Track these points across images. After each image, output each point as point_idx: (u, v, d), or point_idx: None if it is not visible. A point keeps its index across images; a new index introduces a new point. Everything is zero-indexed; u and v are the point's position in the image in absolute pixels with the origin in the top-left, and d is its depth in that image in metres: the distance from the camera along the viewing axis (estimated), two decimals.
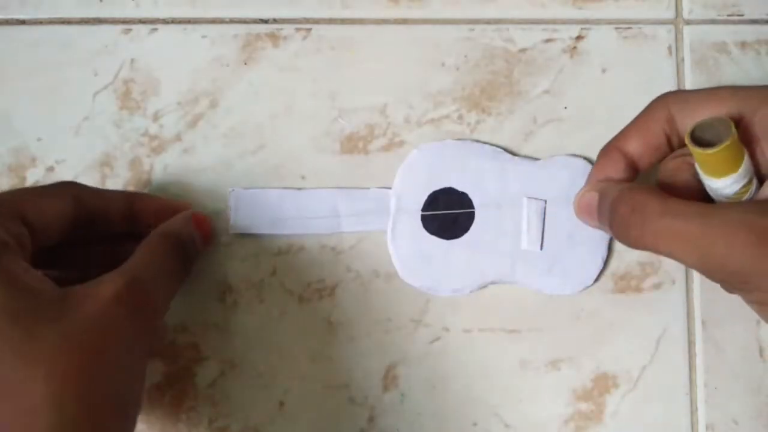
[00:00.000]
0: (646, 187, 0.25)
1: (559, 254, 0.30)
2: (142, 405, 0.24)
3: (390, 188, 0.31)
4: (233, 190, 0.30)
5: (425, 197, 0.30)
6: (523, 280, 0.30)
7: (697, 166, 0.25)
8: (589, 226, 0.28)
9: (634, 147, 0.26)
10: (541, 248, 0.30)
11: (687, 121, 0.25)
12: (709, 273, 0.23)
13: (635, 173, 0.27)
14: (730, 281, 0.23)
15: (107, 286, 0.22)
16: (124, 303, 0.22)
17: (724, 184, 0.24)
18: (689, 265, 0.24)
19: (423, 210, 0.30)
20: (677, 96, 0.26)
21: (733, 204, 0.24)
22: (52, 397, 0.20)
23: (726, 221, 0.22)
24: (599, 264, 0.30)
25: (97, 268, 0.24)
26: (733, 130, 0.23)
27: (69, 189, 0.26)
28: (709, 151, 0.23)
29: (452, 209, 0.30)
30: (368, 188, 0.31)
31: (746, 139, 0.24)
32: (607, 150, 0.27)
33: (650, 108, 0.26)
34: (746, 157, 0.24)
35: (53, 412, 0.20)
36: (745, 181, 0.24)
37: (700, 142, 0.23)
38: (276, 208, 0.30)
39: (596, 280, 0.31)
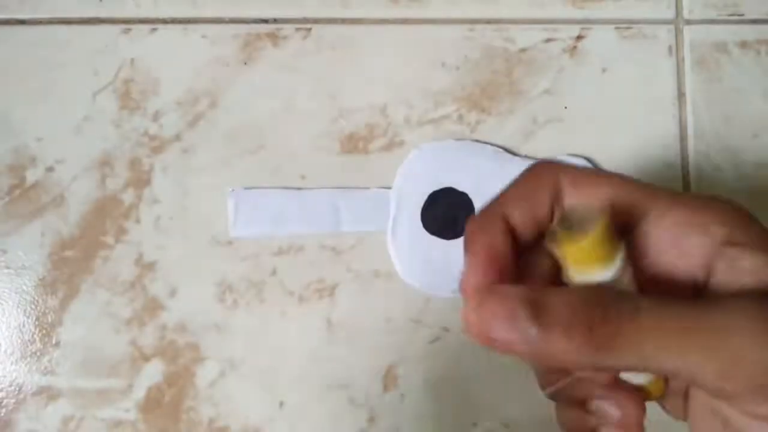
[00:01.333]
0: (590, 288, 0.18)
1: None
2: None
3: (390, 188, 0.31)
4: (233, 190, 0.30)
5: (425, 197, 0.30)
6: None
7: (565, 263, 0.19)
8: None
9: (518, 215, 0.20)
10: None
11: (576, 197, 0.20)
12: (732, 380, 0.16)
13: (516, 249, 0.20)
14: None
15: None
16: None
17: (601, 279, 0.18)
18: (698, 377, 0.16)
19: (423, 210, 0.30)
20: (568, 168, 0.21)
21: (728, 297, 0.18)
22: None
23: (731, 310, 0.16)
24: None
25: None
26: (605, 215, 0.17)
27: None
28: (581, 239, 0.17)
29: (452, 209, 0.30)
30: (368, 188, 0.31)
31: (634, 247, 0.19)
32: (487, 214, 0.20)
33: (537, 174, 0.21)
34: (622, 250, 0.18)
35: None
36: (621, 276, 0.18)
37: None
38: (276, 208, 0.30)
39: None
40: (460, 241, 0.30)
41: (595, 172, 0.21)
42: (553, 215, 0.20)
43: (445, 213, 0.30)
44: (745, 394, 0.16)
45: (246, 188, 0.30)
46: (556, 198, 0.20)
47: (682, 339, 0.16)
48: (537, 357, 0.18)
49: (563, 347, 0.16)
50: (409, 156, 0.31)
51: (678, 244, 0.19)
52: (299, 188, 0.31)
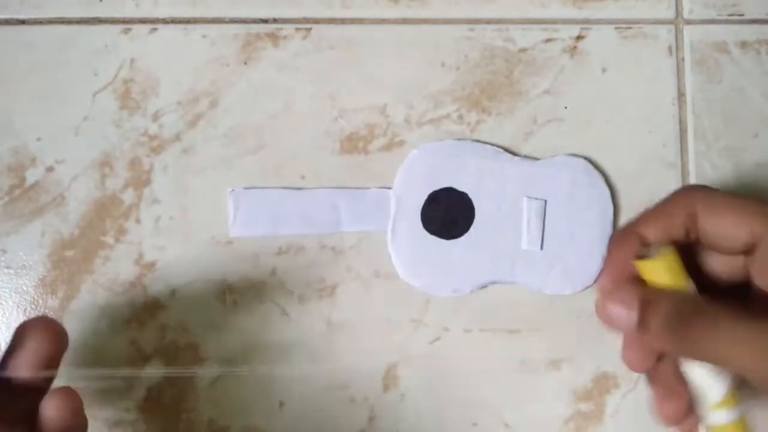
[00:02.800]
0: (702, 297, 0.24)
1: (560, 254, 0.30)
2: None
3: (390, 188, 0.31)
4: (233, 190, 0.30)
5: (425, 197, 0.30)
6: (523, 280, 0.30)
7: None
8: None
9: (654, 235, 0.25)
10: (542, 248, 0.30)
11: (711, 221, 0.25)
12: None
13: None
14: None
15: None
16: None
17: None
18: (751, 378, 0.22)
19: (423, 210, 0.30)
20: (704, 193, 0.25)
21: None
22: None
23: None
24: (599, 264, 0.30)
25: None
26: (670, 249, 0.25)
27: None
28: (647, 261, 0.25)
29: (452, 209, 0.30)
30: (368, 188, 0.31)
31: (754, 266, 0.24)
32: (625, 233, 0.26)
33: (674, 199, 0.26)
34: (692, 283, 0.25)
35: None
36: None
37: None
38: (276, 208, 0.30)
39: (596, 279, 0.31)
40: (460, 241, 0.30)
41: (729, 199, 0.25)
42: (688, 235, 0.25)
43: (445, 213, 0.30)
44: None
45: (246, 188, 0.30)
46: (692, 221, 0.25)
47: (744, 347, 0.21)
48: (637, 340, 0.25)
49: (659, 342, 0.24)
50: (409, 156, 0.31)
51: None
52: (299, 188, 0.31)
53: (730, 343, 0.22)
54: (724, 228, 0.24)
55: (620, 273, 0.26)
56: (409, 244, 0.30)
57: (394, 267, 0.30)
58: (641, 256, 0.25)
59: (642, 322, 0.24)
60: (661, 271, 0.24)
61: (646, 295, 0.24)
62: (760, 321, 0.21)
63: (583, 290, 0.31)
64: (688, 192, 0.26)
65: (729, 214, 0.24)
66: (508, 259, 0.30)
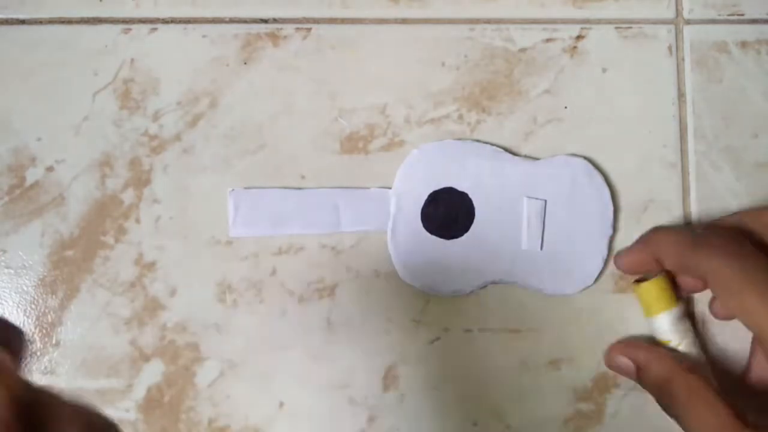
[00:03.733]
0: (700, 375, 0.27)
1: (559, 254, 0.30)
2: None
3: (390, 188, 0.31)
4: (233, 190, 0.30)
5: (425, 197, 0.30)
6: (523, 280, 0.30)
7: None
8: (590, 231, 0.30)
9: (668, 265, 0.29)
10: (541, 248, 0.30)
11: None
12: None
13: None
14: None
15: None
16: None
17: (658, 324, 0.29)
18: None
19: (423, 210, 0.30)
20: (755, 214, 0.29)
21: None
22: None
23: None
24: (599, 264, 0.30)
25: None
26: (662, 275, 0.29)
27: None
28: (640, 284, 0.29)
29: (452, 209, 0.30)
30: (368, 188, 0.31)
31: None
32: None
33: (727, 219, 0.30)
34: (680, 306, 0.29)
35: None
36: (679, 326, 0.29)
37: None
38: (276, 208, 0.30)
39: (596, 279, 0.31)
40: (460, 241, 0.30)
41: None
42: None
43: (445, 213, 0.30)
44: None
45: (246, 188, 0.30)
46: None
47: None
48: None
49: (651, 392, 0.28)
50: (409, 156, 0.31)
51: None
52: (299, 188, 0.31)
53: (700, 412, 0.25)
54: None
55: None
56: (409, 244, 0.30)
57: (394, 267, 0.30)
58: (640, 279, 0.30)
59: (638, 378, 0.29)
60: (654, 292, 0.29)
61: (642, 358, 0.29)
62: (723, 405, 0.25)
63: (582, 290, 0.31)
64: (741, 215, 0.30)
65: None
66: (508, 259, 0.30)
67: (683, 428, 0.26)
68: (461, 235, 0.30)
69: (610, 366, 0.30)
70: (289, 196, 0.30)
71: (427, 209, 0.30)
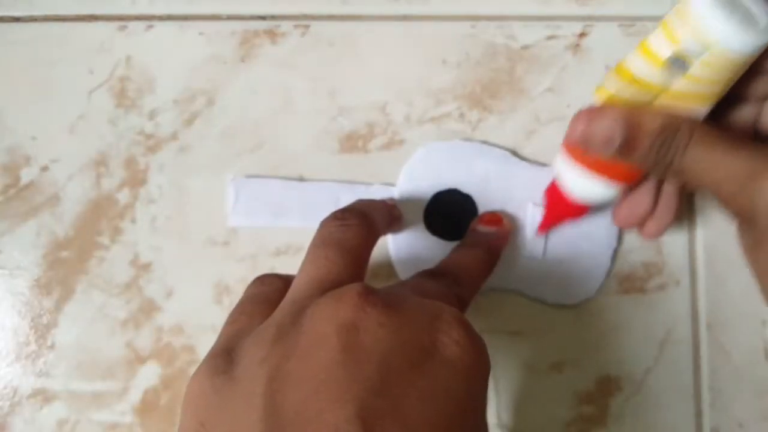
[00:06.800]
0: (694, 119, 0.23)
1: (562, 264, 0.30)
2: None
3: (393, 185, 0.30)
4: (234, 178, 0.30)
5: (429, 197, 0.30)
6: (523, 288, 0.30)
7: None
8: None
9: None
10: (544, 255, 0.30)
11: None
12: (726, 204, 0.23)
13: None
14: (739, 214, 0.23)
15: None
16: None
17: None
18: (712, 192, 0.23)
19: (426, 209, 0.30)
20: None
21: None
22: None
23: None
24: (601, 276, 0.30)
25: None
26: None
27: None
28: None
29: (456, 211, 0.30)
30: (372, 184, 0.30)
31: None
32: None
33: None
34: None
35: None
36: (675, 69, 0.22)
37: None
38: (277, 199, 0.30)
39: (597, 291, 0.30)
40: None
41: None
42: None
43: (448, 214, 0.30)
44: None
45: (247, 176, 0.30)
46: None
47: (711, 164, 0.22)
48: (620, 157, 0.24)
49: (636, 156, 0.23)
50: (415, 153, 0.30)
51: None
52: (302, 179, 0.30)
53: (709, 169, 0.22)
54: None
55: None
56: (409, 243, 0.30)
57: (393, 267, 0.30)
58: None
59: (628, 143, 0.23)
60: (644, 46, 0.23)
61: (633, 115, 0.23)
62: (749, 149, 0.22)
63: (583, 301, 0.30)
64: None
65: None
66: (509, 265, 0.30)
67: (691, 183, 0.24)
68: (462, 237, 0.30)
69: (582, 137, 0.24)
70: (291, 187, 0.30)
71: (431, 209, 0.30)
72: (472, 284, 0.26)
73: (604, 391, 0.30)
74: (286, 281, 0.23)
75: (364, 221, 0.23)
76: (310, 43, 0.31)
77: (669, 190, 0.27)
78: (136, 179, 0.30)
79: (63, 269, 0.30)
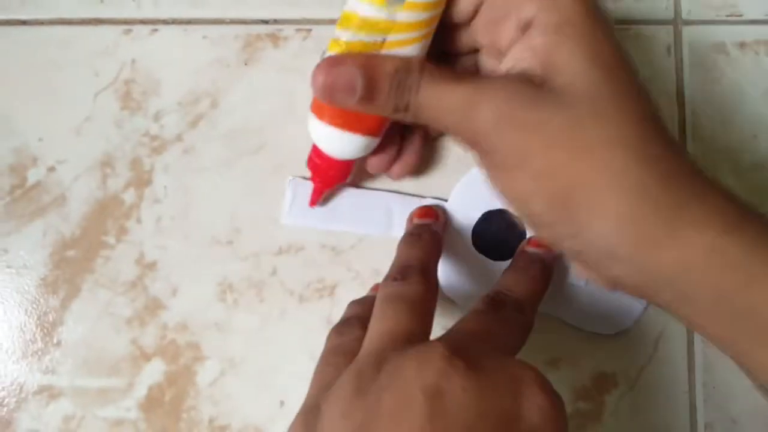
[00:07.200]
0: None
1: (604, 292, 0.30)
2: None
3: (446, 200, 0.30)
4: (293, 179, 0.30)
5: (479, 215, 0.30)
6: (564, 315, 0.30)
7: None
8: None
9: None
10: (587, 284, 0.30)
11: None
12: (459, 134, 0.23)
13: None
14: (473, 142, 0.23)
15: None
16: None
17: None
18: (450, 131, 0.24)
19: (475, 227, 0.30)
20: None
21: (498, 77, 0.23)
22: None
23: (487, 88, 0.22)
24: (641, 306, 0.30)
25: None
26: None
27: None
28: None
29: (503, 231, 0.30)
30: (425, 197, 0.31)
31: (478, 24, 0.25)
32: None
33: None
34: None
35: None
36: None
37: None
38: (331, 204, 0.30)
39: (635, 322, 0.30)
40: (506, 263, 0.29)
41: None
42: None
43: (496, 233, 0.30)
44: None
45: (305, 178, 0.30)
46: None
47: (442, 103, 0.22)
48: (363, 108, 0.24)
49: (377, 104, 0.23)
50: (468, 174, 0.30)
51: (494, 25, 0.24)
52: (358, 187, 0.31)
53: (437, 105, 0.23)
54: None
55: None
56: (455, 258, 0.30)
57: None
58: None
59: (368, 87, 0.23)
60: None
61: (369, 59, 0.23)
62: (467, 82, 0.22)
63: (621, 330, 0.30)
64: None
65: None
66: (552, 290, 0.29)
67: (430, 124, 0.25)
68: (508, 258, 0.30)
69: (324, 87, 0.23)
70: (345, 192, 0.30)
71: (480, 227, 0.30)
72: (533, 308, 0.26)
73: (600, 388, 0.31)
74: (362, 325, 0.24)
75: (422, 278, 0.24)
76: (312, 47, 0.31)
77: (412, 133, 0.28)
78: (141, 180, 0.31)
79: (69, 268, 0.30)
